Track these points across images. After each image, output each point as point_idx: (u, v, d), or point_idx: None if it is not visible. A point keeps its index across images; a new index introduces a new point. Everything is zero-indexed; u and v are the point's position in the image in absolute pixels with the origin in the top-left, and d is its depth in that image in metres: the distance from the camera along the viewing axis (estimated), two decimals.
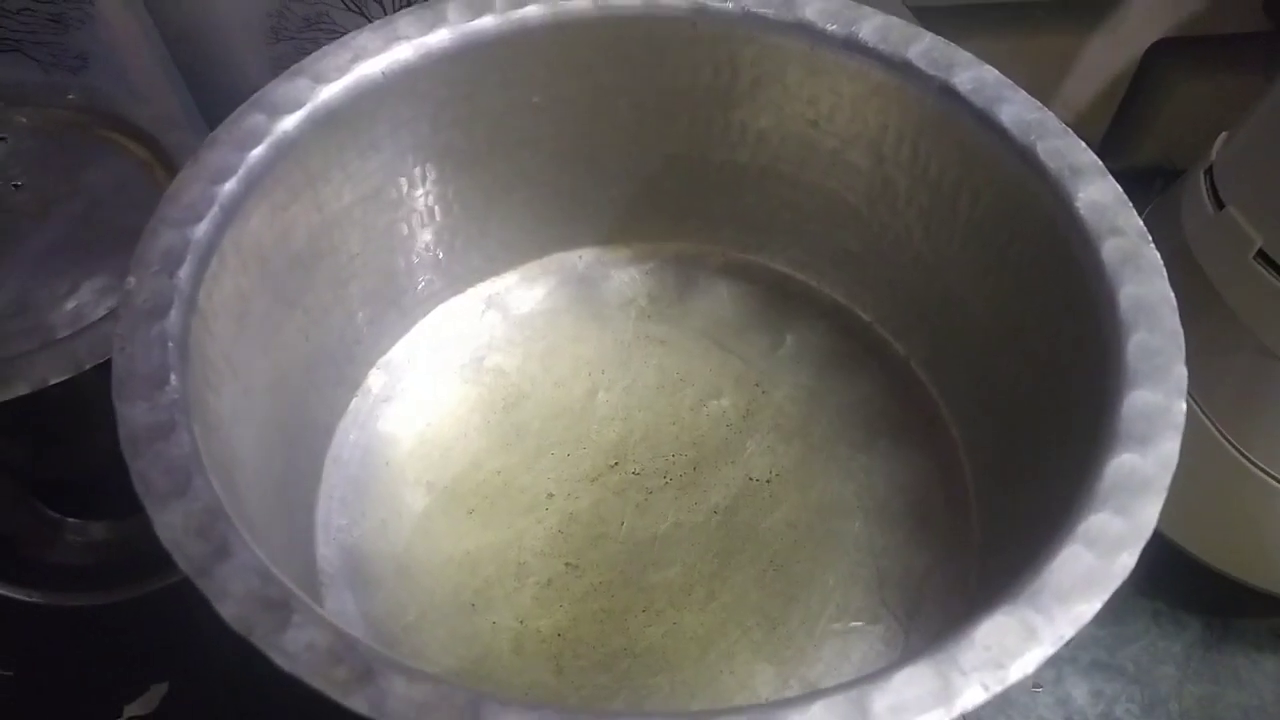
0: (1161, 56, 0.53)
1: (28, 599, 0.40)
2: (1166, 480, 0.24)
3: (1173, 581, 0.45)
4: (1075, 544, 0.23)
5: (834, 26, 0.35)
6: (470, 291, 0.42)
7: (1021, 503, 0.32)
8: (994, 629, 0.22)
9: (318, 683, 0.20)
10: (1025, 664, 0.21)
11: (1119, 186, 0.31)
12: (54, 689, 0.39)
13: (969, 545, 0.36)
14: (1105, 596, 0.23)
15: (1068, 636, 0.22)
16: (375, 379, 0.40)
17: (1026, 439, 0.33)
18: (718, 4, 0.35)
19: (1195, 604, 0.46)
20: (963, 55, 0.34)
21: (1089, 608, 0.22)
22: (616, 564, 0.37)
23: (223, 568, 0.22)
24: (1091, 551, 0.23)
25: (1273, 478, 0.40)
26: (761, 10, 0.35)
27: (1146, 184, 0.56)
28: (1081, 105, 0.55)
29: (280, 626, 0.21)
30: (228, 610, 0.21)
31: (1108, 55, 0.52)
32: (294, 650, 0.21)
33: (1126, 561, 0.23)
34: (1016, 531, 0.31)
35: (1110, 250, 0.29)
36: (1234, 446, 0.40)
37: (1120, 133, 0.57)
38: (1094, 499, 0.24)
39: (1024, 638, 0.22)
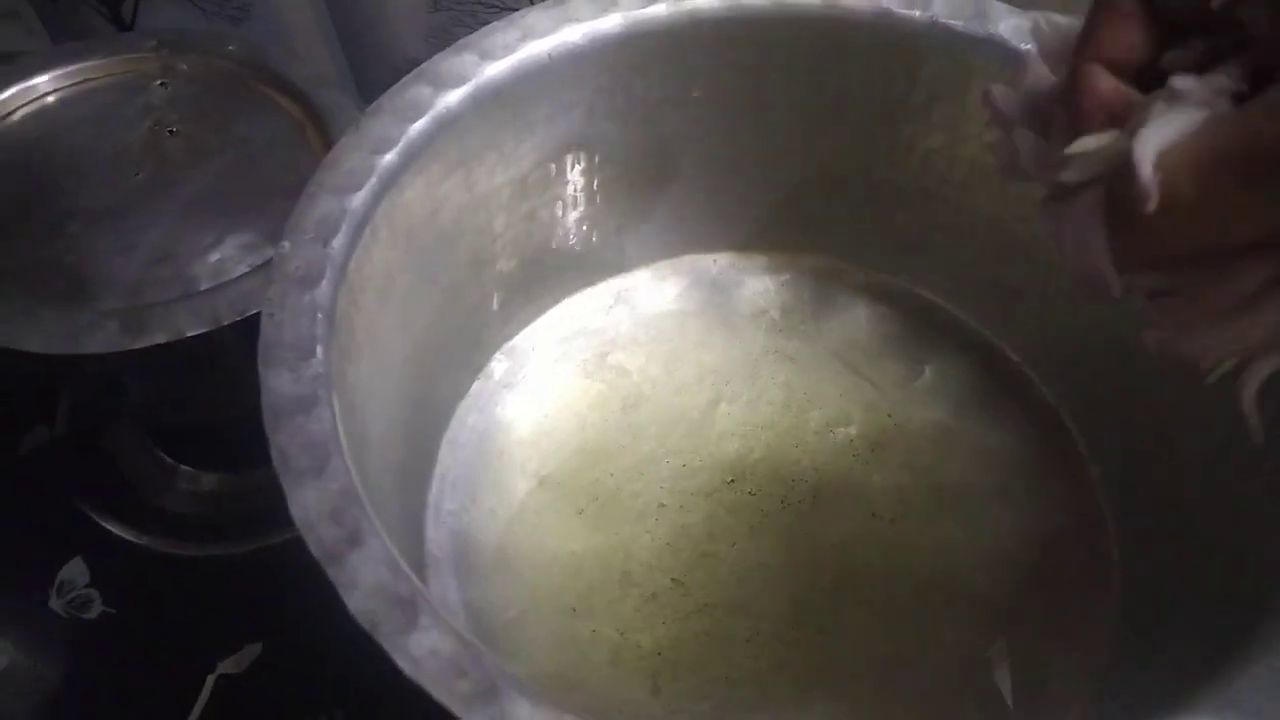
0: None
1: (137, 541, 0.41)
2: None
3: None
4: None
5: (1030, 45, 0.32)
6: (601, 285, 0.41)
7: (1181, 595, 0.29)
8: None
9: (439, 693, 0.19)
10: None
11: None
12: (152, 635, 0.39)
13: (1105, 619, 0.33)
14: None
15: None
16: (499, 364, 0.39)
17: (1195, 525, 0.30)
18: (903, 10, 0.33)
19: None
20: None
21: None
22: (724, 586, 0.35)
23: (354, 556, 0.21)
24: None
25: None
26: (950, 21, 0.33)
27: None
28: None
29: (407, 627, 0.20)
30: (355, 602, 0.20)
31: None
32: (418, 654, 0.20)
33: None
34: (1170, 622, 0.29)
35: None
36: None
37: None
38: None
39: None
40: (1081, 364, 0.37)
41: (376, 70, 0.32)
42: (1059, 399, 0.38)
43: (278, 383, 0.23)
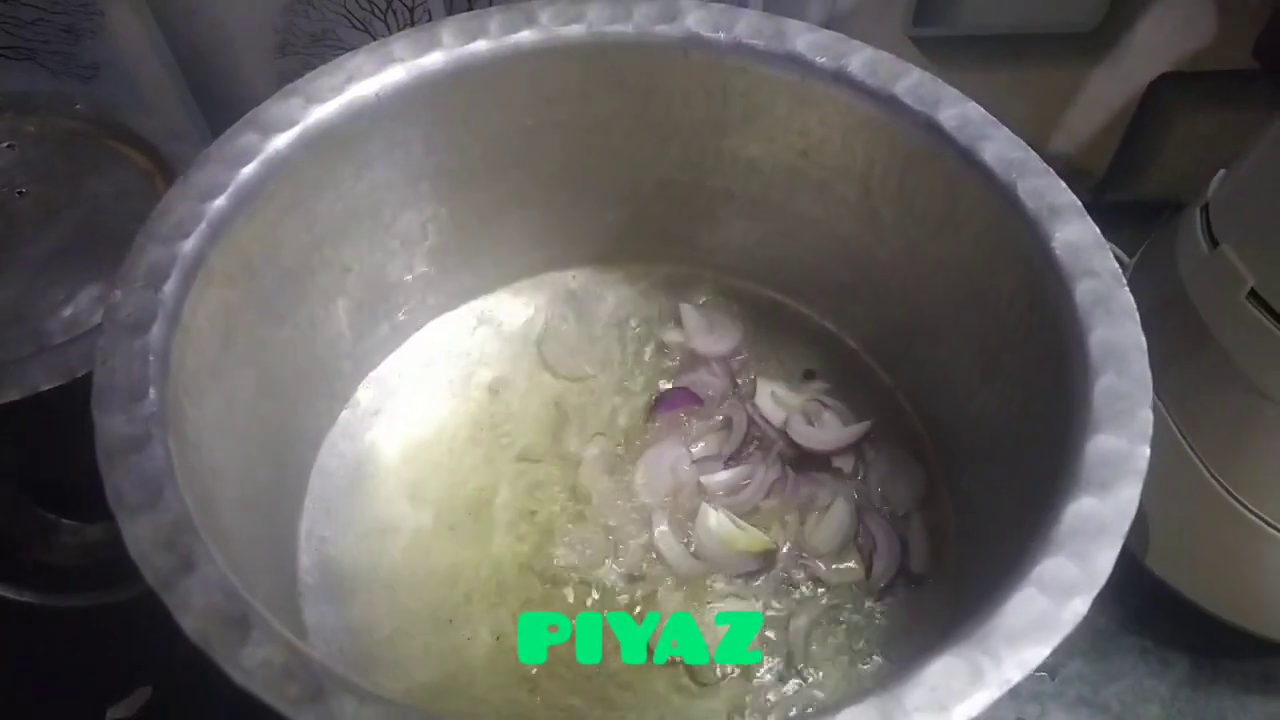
0: (1165, 90, 0.53)
1: (19, 598, 0.41)
2: (1124, 527, 0.24)
3: (1161, 620, 0.45)
4: (1028, 588, 0.23)
5: (824, 59, 0.35)
6: (463, 308, 0.43)
7: (995, 540, 0.32)
8: (941, 670, 0.22)
9: (269, 698, 0.21)
10: (969, 707, 0.21)
11: (1097, 228, 0.31)
12: (40, 689, 0.40)
13: (947, 576, 0.36)
14: (1055, 642, 0.23)
15: (1014, 681, 0.22)
16: (365, 392, 0.41)
17: (1002, 478, 0.33)
18: (709, 33, 0.36)
19: (1183, 643, 0.45)
20: (949, 92, 0.34)
21: (1037, 653, 0.22)
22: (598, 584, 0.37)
23: (186, 581, 0.22)
24: (1044, 596, 0.23)
25: (1262, 519, 0.39)
26: (752, 41, 0.35)
27: (1152, 216, 0.55)
28: (1084, 137, 0.55)
29: (238, 642, 0.22)
30: (188, 623, 0.22)
31: (1110, 88, 0.52)
32: (249, 666, 0.21)
33: (1078, 608, 0.23)
34: (988, 568, 0.31)
35: (1084, 292, 0.29)
36: (1223, 487, 0.40)
37: (1126, 165, 0.57)
38: (1050, 543, 0.24)
39: (970, 680, 0.22)
40: (909, 349, 0.39)
41: (230, 119, 0.33)
42: (896, 383, 0.41)
43: (111, 424, 0.25)
